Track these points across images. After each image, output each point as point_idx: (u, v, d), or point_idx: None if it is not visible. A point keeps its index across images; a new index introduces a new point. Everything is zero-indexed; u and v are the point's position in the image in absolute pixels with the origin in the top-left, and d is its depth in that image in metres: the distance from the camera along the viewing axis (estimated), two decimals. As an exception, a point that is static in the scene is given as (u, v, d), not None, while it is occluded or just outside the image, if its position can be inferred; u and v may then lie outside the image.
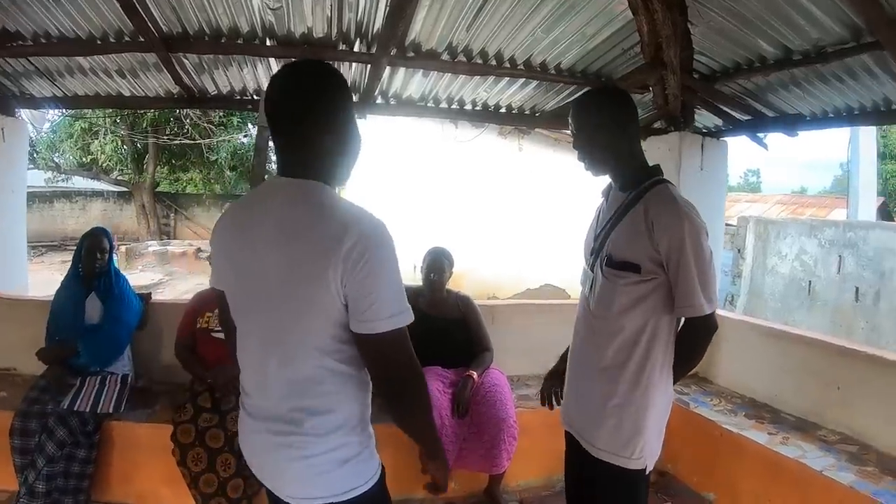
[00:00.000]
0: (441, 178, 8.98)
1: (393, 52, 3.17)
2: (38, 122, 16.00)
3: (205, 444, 2.53)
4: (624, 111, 1.72)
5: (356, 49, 3.25)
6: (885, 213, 13.19)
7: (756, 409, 3.22)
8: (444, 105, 4.06)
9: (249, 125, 20.61)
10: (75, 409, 2.64)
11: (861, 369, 2.86)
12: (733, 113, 3.67)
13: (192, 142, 15.92)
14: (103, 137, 15.92)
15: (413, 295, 3.43)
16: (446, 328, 3.21)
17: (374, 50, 3.20)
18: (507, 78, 3.55)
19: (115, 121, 15.86)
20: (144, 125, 15.73)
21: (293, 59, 3.28)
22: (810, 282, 7.87)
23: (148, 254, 14.05)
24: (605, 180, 1.83)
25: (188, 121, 15.34)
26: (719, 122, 3.87)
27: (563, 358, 1.98)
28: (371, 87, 3.52)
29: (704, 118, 3.94)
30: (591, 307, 1.77)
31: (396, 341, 1.18)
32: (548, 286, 9.58)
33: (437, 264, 3.24)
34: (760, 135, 3.95)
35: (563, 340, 1.96)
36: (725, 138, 3.99)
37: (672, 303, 1.64)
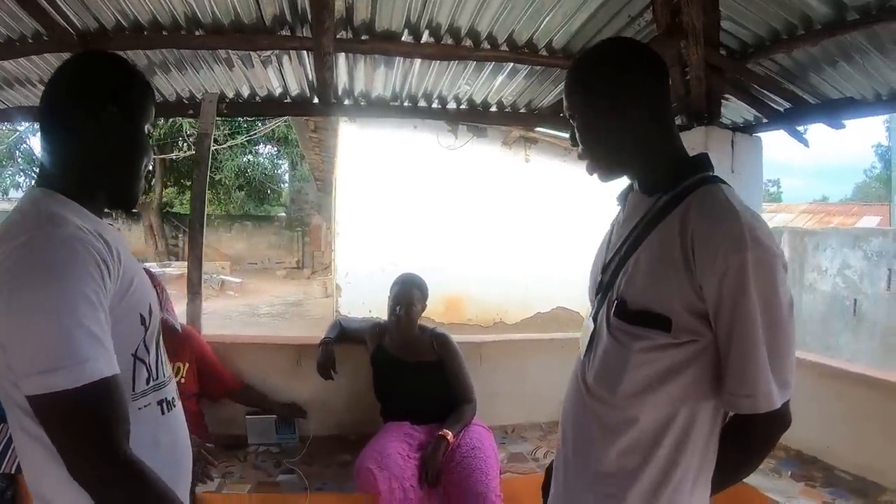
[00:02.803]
0: (439, 193, 8.40)
1: (341, 34, 2.58)
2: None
3: None
4: (646, 72, 1.06)
5: (300, 35, 2.66)
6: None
7: (804, 465, 2.64)
8: (422, 104, 3.45)
9: (261, 144, 20.48)
10: None
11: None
12: (769, 101, 2.98)
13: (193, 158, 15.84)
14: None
15: (379, 333, 2.79)
16: (418, 374, 2.61)
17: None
18: (491, 63, 2.91)
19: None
20: (150, 143, 15.59)
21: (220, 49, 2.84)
22: (856, 300, 7.05)
23: (144, 276, 13.88)
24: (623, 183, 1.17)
25: (192, 138, 15.26)
26: (752, 112, 3.18)
27: None
28: (324, 82, 2.89)
29: (730, 110, 3.25)
30: (588, 381, 1.09)
31: (56, 410, 0.85)
32: (560, 309, 8.93)
33: (405, 296, 2.61)
34: (799, 128, 3.28)
35: (565, 382, 1.29)
36: (759, 133, 3.28)
37: (719, 383, 0.98)
